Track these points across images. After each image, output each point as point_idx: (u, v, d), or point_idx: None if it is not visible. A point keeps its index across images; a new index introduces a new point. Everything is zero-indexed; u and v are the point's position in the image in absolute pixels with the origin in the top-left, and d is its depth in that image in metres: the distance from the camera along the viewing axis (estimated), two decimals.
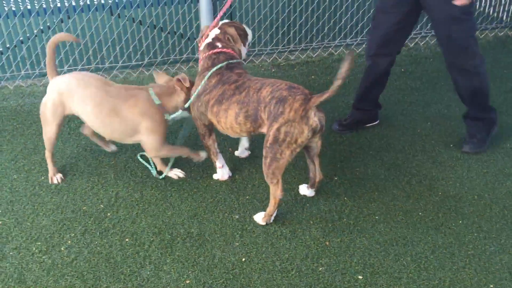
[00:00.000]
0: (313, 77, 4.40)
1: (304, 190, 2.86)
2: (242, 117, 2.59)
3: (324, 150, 3.28)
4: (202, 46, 2.92)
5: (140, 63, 4.43)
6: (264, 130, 2.57)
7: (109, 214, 2.75)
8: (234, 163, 3.16)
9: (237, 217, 2.71)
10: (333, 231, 2.59)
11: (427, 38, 5.05)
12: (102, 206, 2.82)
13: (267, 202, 2.67)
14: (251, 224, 2.65)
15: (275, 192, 2.56)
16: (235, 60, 2.80)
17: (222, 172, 3.01)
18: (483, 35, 5.15)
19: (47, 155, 3.03)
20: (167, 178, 3.03)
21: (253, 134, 2.68)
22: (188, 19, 4.37)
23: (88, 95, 2.75)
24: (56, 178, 3.03)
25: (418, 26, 4.99)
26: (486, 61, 3.07)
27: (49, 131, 2.94)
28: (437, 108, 3.80)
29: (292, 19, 4.63)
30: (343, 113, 3.72)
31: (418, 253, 2.44)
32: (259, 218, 2.66)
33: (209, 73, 2.73)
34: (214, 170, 3.05)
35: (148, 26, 4.32)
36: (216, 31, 2.89)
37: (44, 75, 4.29)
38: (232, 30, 2.89)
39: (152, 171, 3.07)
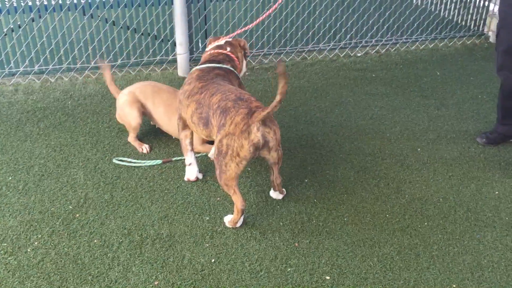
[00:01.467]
0: None
1: (273, 193, 2.88)
2: (196, 117, 2.64)
3: (295, 153, 3.32)
4: (210, 46, 3.06)
5: (113, 64, 4.39)
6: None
7: (77, 215, 2.72)
8: (206, 165, 3.16)
9: (207, 218, 2.72)
10: (302, 233, 2.62)
11: (397, 45, 5.17)
12: (70, 207, 2.79)
13: None
14: (221, 226, 2.66)
15: (236, 202, 2.56)
16: (226, 66, 2.86)
17: (189, 171, 3.00)
18: (451, 43, 5.30)
19: (133, 137, 3.37)
20: (138, 179, 3.02)
21: (210, 139, 2.71)
22: (162, 21, 4.37)
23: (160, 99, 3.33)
24: (144, 148, 3.32)
25: (389, 33, 5.10)
26: None
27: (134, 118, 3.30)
28: (406, 113, 3.88)
29: (266, 23, 4.67)
30: (315, 117, 3.78)
31: (385, 254, 2.50)
32: (227, 220, 2.67)
33: (194, 68, 2.88)
34: (184, 175, 3.05)
35: (121, 27, 4.29)
36: (230, 39, 3.08)
37: (14, 74, 4.22)
38: (246, 44, 3.11)
39: (141, 164, 3.15)
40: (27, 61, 4.20)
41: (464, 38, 5.35)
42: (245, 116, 2.38)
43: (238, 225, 2.65)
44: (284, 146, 3.35)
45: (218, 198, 2.87)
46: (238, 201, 2.55)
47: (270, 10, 3.28)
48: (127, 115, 3.30)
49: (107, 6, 4.19)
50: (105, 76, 3.56)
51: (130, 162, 3.17)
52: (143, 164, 3.15)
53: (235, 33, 3.28)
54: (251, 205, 2.83)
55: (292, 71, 4.64)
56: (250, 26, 3.32)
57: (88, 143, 3.40)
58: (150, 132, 3.54)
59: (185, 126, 2.90)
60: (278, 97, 2.27)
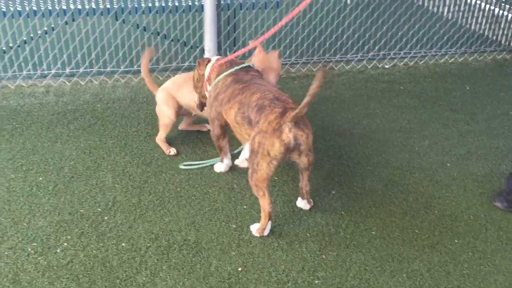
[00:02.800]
0: None
1: (300, 202, 2.87)
2: (239, 117, 2.65)
3: (322, 164, 3.30)
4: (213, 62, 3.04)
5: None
6: None
7: (106, 218, 2.75)
8: (233, 173, 3.16)
9: (234, 226, 2.71)
10: (329, 245, 2.60)
11: (426, 58, 5.12)
12: (99, 209, 2.81)
13: None
14: (248, 234, 2.66)
15: (263, 205, 2.55)
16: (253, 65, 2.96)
17: (225, 166, 3.16)
18: (481, 57, 5.22)
19: (163, 138, 3.42)
20: (165, 184, 3.04)
21: None
22: (192, 27, 4.41)
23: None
24: (171, 150, 3.38)
25: (418, 45, 5.06)
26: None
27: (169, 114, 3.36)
28: (435, 127, 3.83)
29: (294, 32, 4.68)
30: (342, 128, 3.75)
31: (414, 271, 2.46)
32: (254, 229, 2.67)
33: (227, 72, 2.86)
34: (212, 179, 3.07)
35: (151, 33, 4.34)
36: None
37: (45, 76, 4.30)
38: None
39: (208, 163, 3.24)
40: (59, 63, 4.28)
41: (495, 53, 5.27)
42: (279, 115, 2.39)
43: (266, 233, 2.64)
44: None
45: (245, 207, 2.87)
46: (265, 203, 2.54)
47: (291, 15, 3.21)
48: (163, 111, 3.37)
49: (139, 12, 4.25)
50: (142, 64, 3.52)
51: (199, 164, 3.24)
52: (210, 163, 3.23)
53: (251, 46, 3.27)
54: (278, 214, 2.82)
55: None
56: (271, 32, 3.25)
57: (116, 146, 3.43)
58: (178, 137, 3.57)
59: (225, 134, 3.01)
60: (307, 98, 2.26)
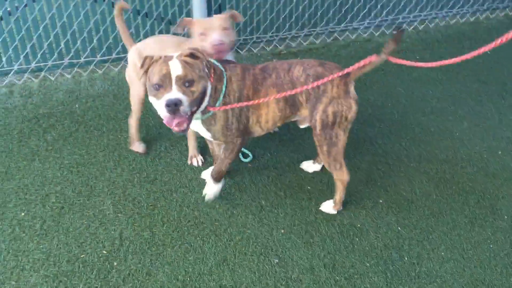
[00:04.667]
0: None
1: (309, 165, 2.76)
2: (282, 103, 2.29)
3: (357, 163, 2.82)
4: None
5: (122, 56, 3.77)
6: (302, 114, 2.32)
7: (115, 263, 2.20)
8: (256, 185, 2.64)
9: (276, 260, 2.22)
10: (396, 276, 2.15)
11: (436, 20, 4.63)
12: (105, 252, 2.26)
13: (308, 236, 2.26)
14: (296, 271, 2.17)
15: (342, 176, 2.38)
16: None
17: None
18: (493, 15, 4.78)
19: (133, 120, 2.84)
20: (179, 207, 2.50)
21: (288, 121, 2.40)
22: (177, 3, 3.74)
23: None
24: (141, 147, 2.89)
25: (429, 7, 4.55)
26: None
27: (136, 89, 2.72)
28: (469, 104, 3.39)
29: (294, 2, 4.08)
30: (367, 114, 3.25)
31: None
32: (329, 207, 2.48)
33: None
34: (234, 196, 2.55)
35: (131, 12, 3.66)
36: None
37: (7, 73, 3.58)
38: None
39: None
40: (21, 57, 3.56)
41: (507, 9, 4.83)
42: (343, 75, 2.20)
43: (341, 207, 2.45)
44: None
45: (282, 230, 2.37)
46: (344, 174, 2.36)
47: None
48: (134, 77, 2.69)
49: None
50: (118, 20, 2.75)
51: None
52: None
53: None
54: (325, 238, 2.33)
55: (325, 55, 4.09)
56: None
57: (109, 159, 2.84)
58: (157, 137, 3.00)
59: (244, 139, 2.38)
60: (382, 56, 2.05)
